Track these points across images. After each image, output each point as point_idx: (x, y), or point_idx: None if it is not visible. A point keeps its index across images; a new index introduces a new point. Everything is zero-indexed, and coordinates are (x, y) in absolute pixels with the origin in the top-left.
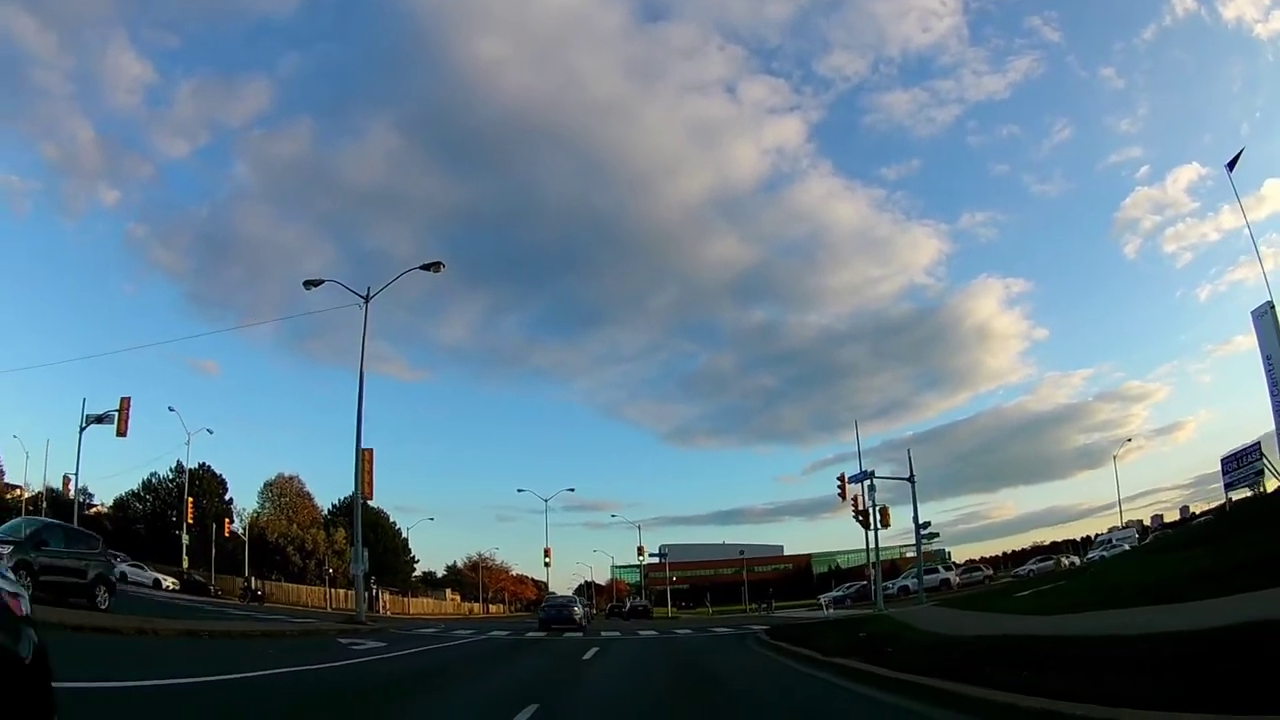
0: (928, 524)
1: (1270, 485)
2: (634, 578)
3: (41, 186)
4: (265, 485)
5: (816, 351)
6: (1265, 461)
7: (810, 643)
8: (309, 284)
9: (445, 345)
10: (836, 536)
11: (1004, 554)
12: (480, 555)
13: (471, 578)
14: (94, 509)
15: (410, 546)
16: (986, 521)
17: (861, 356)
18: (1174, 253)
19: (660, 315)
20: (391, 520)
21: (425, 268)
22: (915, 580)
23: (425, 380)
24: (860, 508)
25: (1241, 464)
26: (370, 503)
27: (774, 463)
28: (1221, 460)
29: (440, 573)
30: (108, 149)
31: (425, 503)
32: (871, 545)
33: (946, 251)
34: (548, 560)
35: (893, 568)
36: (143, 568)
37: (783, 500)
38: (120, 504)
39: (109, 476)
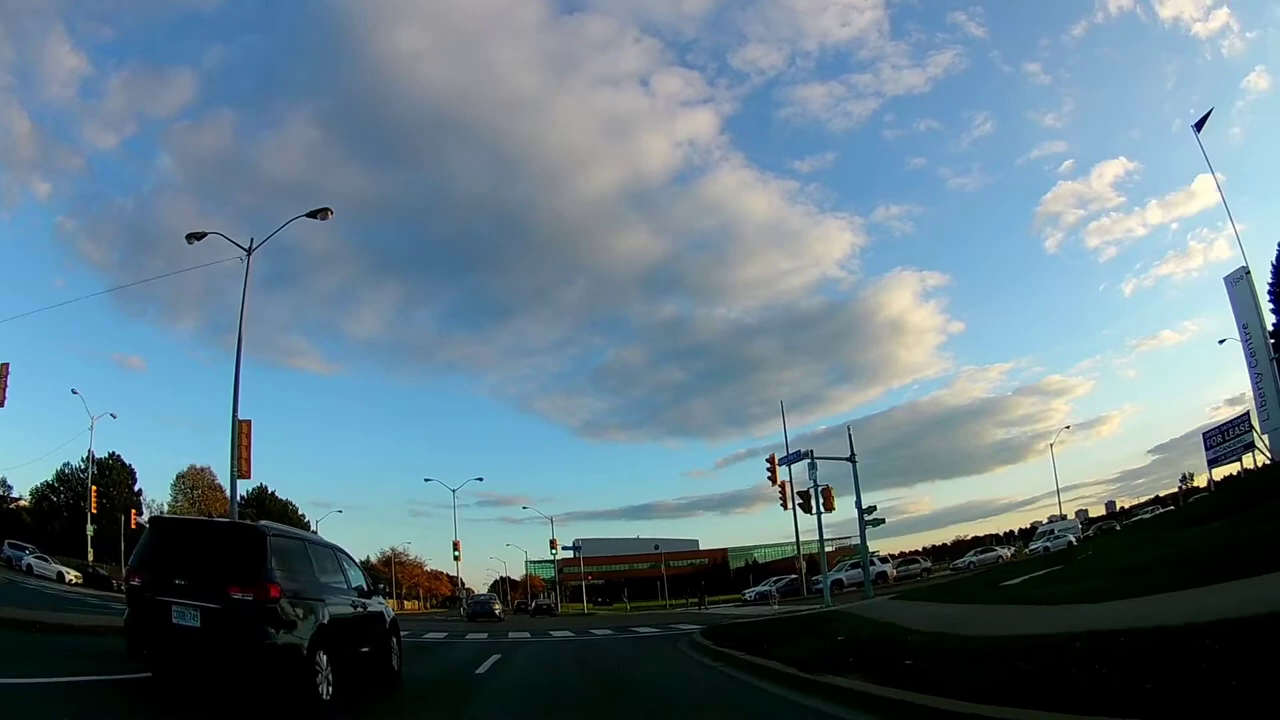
0: (873, 508)
1: (1252, 461)
2: (549, 573)
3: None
4: (177, 477)
5: (726, 345)
6: (1255, 434)
7: (774, 651)
8: (191, 237)
9: (359, 339)
10: (751, 531)
11: (924, 548)
12: (394, 550)
13: (385, 573)
14: (15, 503)
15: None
16: (904, 516)
17: (772, 350)
18: (1097, 247)
19: (570, 309)
20: (300, 513)
21: (312, 215)
22: (849, 572)
23: (339, 374)
24: (787, 494)
25: (1227, 438)
26: (277, 493)
27: (685, 457)
28: (1204, 435)
29: None
30: (42, 141)
31: (340, 497)
32: (796, 534)
33: (860, 244)
34: (457, 554)
35: (810, 562)
36: (48, 560)
37: (695, 495)
38: (38, 496)
39: (21, 466)
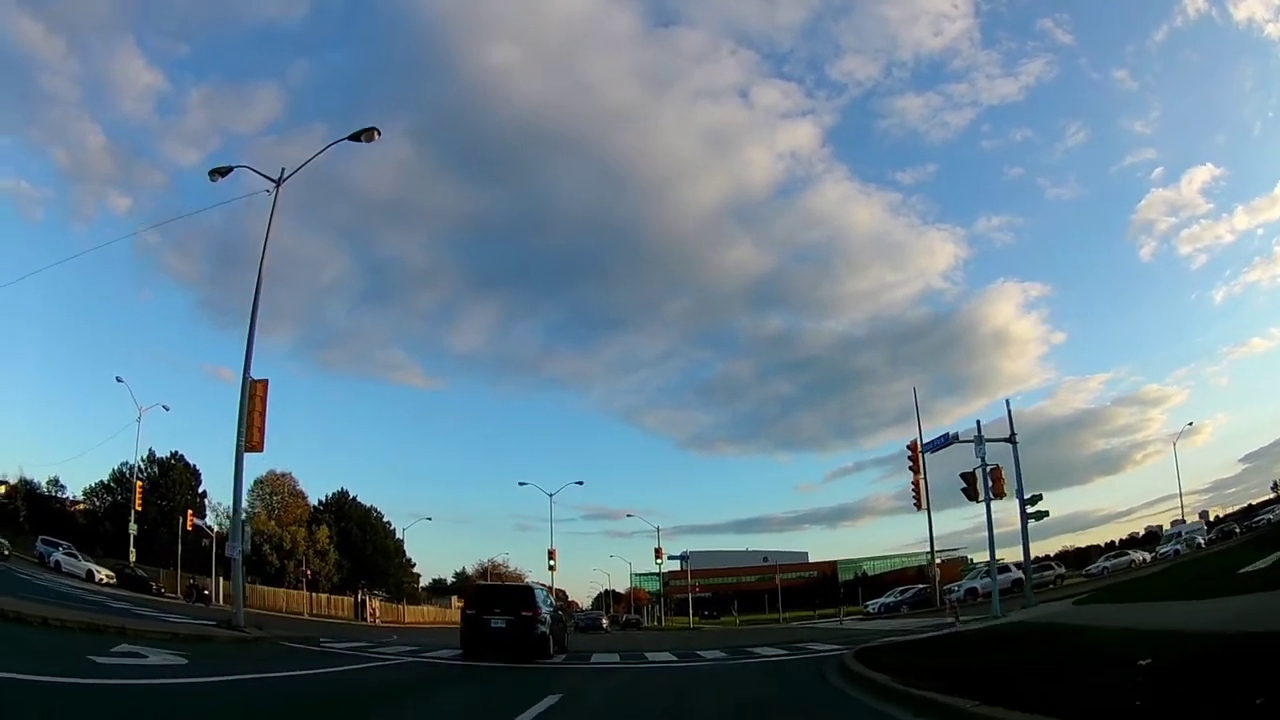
0: (1037, 497)
1: None
2: (654, 585)
3: (53, 193)
4: (255, 483)
5: (833, 358)
6: None
7: (1052, 700)
8: (215, 173)
9: (460, 353)
10: (858, 544)
11: (1036, 558)
12: (492, 562)
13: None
14: (73, 505)
15: (406, 549)
16: (1007, 529)
17: (878, 362)
18: (1189, 255)
19: (676, 322)
20: (385, 520)
21: (355, 137)
22: (982, 581)
23: (440, 389)
24: (921, 494)
25: None
26: (360, 499)
27: (793, 470)
28: None
29: (449, 579)
30: (118, 155)
31: (443, 509)
32: (931, 538)
33: (963, 256)
34: (552, 563)
35: (920, 575)
36: (78, 558)
37: (803, 508)
38: (91, 494)
39: (67, 460)
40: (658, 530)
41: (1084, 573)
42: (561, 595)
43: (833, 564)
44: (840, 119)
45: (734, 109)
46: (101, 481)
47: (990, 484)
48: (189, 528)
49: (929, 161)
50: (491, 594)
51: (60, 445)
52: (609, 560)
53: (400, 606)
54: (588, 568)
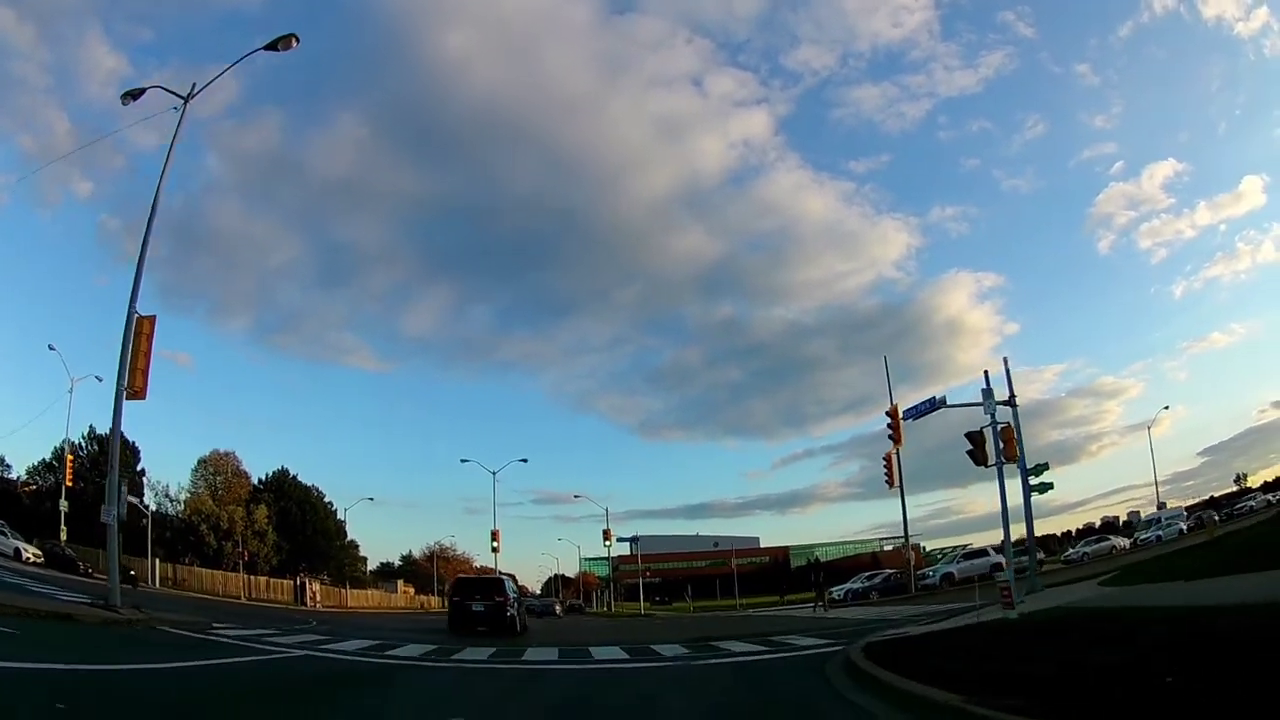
0: (1042, 467)
1: None
2: (603, 570)
3: (18, 179)
4: (199, 462)
5: (783, 346)
6: None
7: None
8: (127, 96)
9: (412, 336)
10: (808, 531)
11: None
12: (439, 544)
13: (427, 568)
14: (27, 486)
15: (349, 530)
16: (959, 516)
17: (829, 351)
18: (1149, 249)
19: (627, 309)
20: (327, 500)
21: (272, 46)
22: (959, 565)
23: (391, 372)
24: (894, 470)
25: None
26: (302, 479)
27: (743, 457)
28: None
29: (397, 563)
30: (81, 140)
31: (391, 495)
32: (905, 520)
33: (916, 245)
34: (495, 545)
35: (873, 561)
36: (6, 536)
37: (752, 494)
38: (33, 473)
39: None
40: (606, 512)
41: (1063, 559)
42: (513, 579)
43: (785, 549)
44: (794, 108)
45: (687, 97)
46: (43, 460)
47: (1002, 445)
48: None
49: (884, 151)
50: (471, 585)
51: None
52: (557, 544)
53: (343, 591)
54: (536, 552)
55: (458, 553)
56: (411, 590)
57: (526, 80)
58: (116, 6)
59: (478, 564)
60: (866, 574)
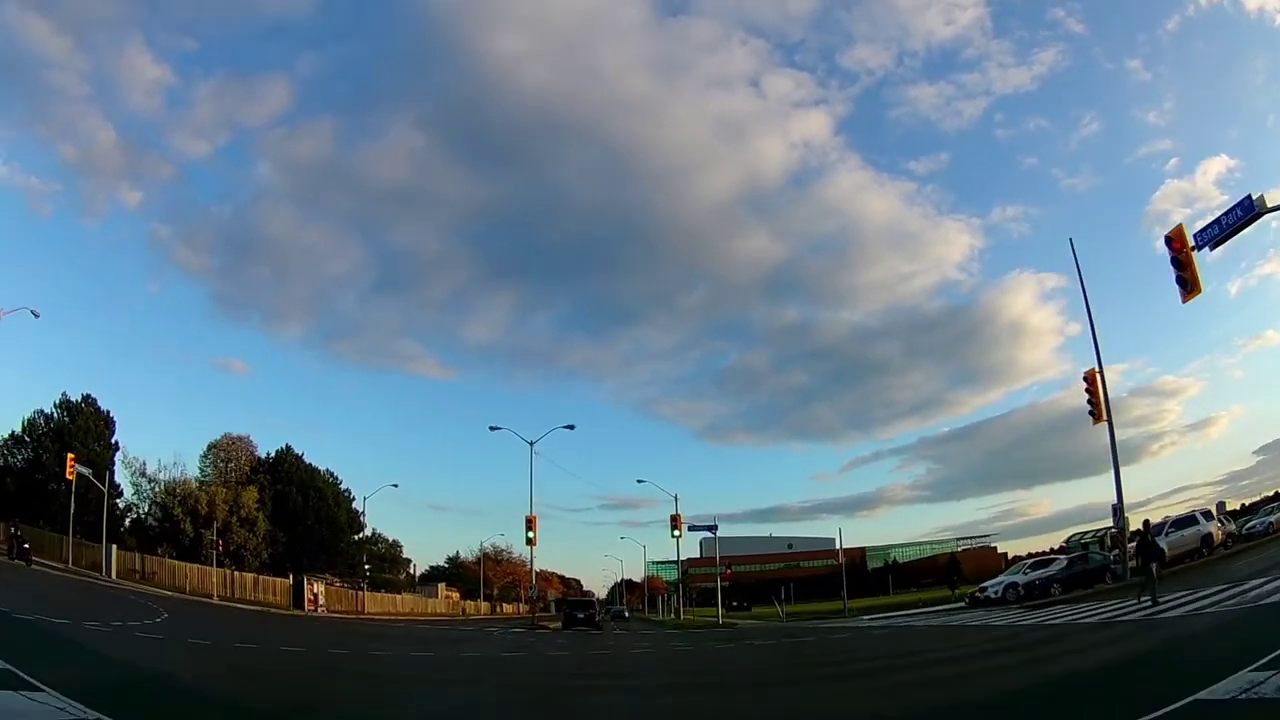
0: None
1: None
2: (671, 575)
3: (61, 188)
4: (209, 447)
5: (849, 349)
6: None
7: None
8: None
9: (474, 344)
10: (876, 534)
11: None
12: (492, 545)
13: (475, 571)
14: None
15: (365, 521)
16: (1024, 519)
17: (895, 353)
18: (1204, 247)
19: (691, 313)
20: (342, 486)
21: None
22: (1166, 537)
23: (454, 379)
24: (1099, 396)
25: None
26: (305, 457)
27: (810, 460)
28: None
29: (443, 565)
30: (128, 150)
31: (455, 501)
32: (1116, 464)
33: (979, 246)
34: (531, 534)
35: (951, 562)
36: None
37: (819, 498)
38: (4, 450)
39: None
40: (675, 498)
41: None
42: (577, 585)
43: (861, 550)
44: (852, 108)
45: (745, 98)
46: (13, 433)
47: None
48: (69, 475)
49: (942, 151)
50: (574, 602)
51: None
52: (620, 543)
53: (358, 594)
54: (603, 556)
55: (512, 555)
56: (456, 595)
57: (580, 82)
58: (158, 16)
59: (536, 567)
60: (1031, 561)
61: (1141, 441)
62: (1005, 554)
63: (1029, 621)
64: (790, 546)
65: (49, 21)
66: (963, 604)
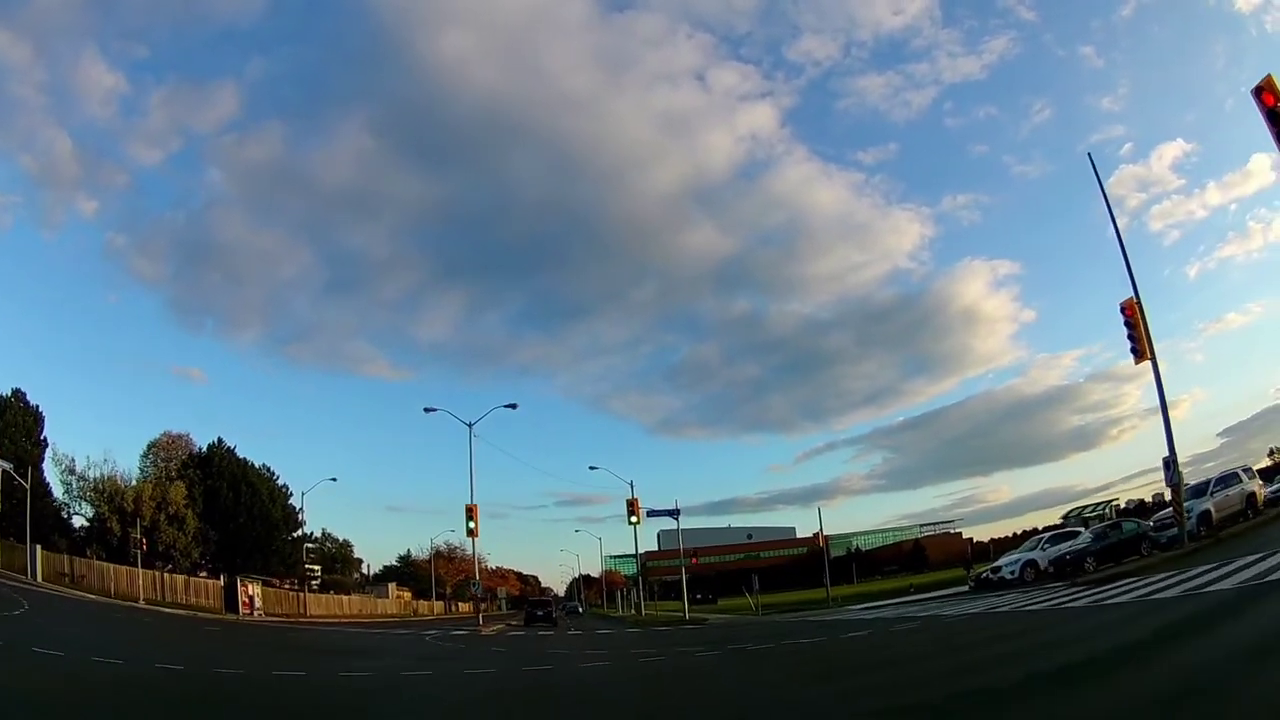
0: None
1: None
2: (630, 568)
3: (21, 199)
4: (149, 446)
5: (801, 340)
6: None
7: None
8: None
9: (427, 344)
10: (835, 523)
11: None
12: (446, 544)
13: (427, 570)
14: None
15: (303, 518)
16: (983, 505)
17: (847, 343)
18: (1161, 230)
19: (641, 307)
20: (279, 481)
21: None
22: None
23: (408, 380)
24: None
25: None
26: (236, 450)
27: (764, 452)
28: None
29: (394, 564)
30: (84, 159)
31: (414, 502)
32: (1161, 393)
33: (929, 235)
34: (471, 524)
35: (916, 548)
36: None
37: (775, 489)
38: None
39: None
40: (630, 484)
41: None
42: (535, 582)
43: (824, 539)
44: (799, 100)
45: (691, 92)
46: None
47: None
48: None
49: (891, 141)
50: (535, 601)
51: None
52: (576, 539)
53: (299, 595)
54: (560, 554)
55: (466, 552)
56: (408, 595)
57: (527, 80)
58: (110, 24)
59: (491, 565)
60: (1049, 535)
61: (1101, 426)
62: (970, 539)
63: (1117, 600)
64: (750, 537)
65: (8, 31)
66: (966, 588)
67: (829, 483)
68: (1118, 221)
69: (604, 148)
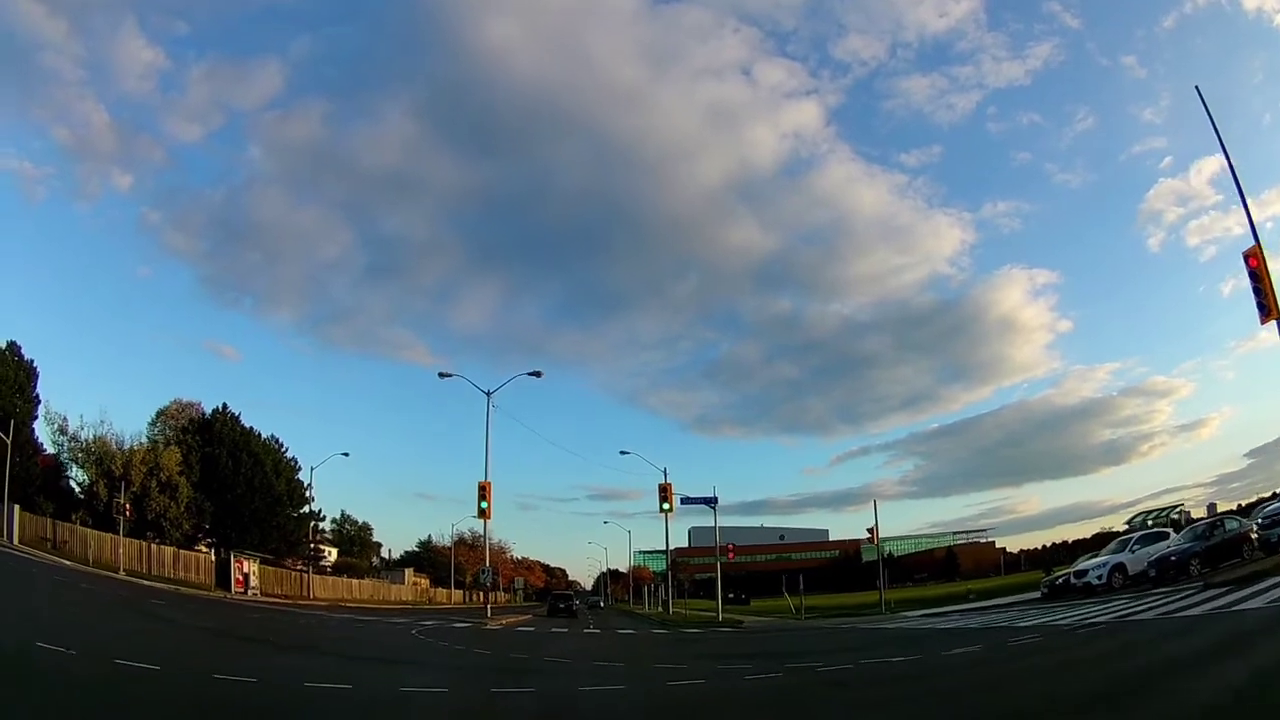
0: None
1: None
2: (659, 564)
3: (55, 171)
4: (157, 414)
5: (839, 342)
6: None
7: None
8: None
9: (464, 332)
10: (864, 527)
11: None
12: (471, 531)
13: (447, 557)
14: None
15: (311, 494)
16: (1012, 516)
17: (885, 347)
18: (1197, 246)
19: (681, 303)
20: (283, 450)
21: None
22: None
23: (445, 366)
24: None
25: None
26: (242, 418)
27: (799, 454)
28: None
29: (415, 550)
30: (121, 133)
31: (445, 491)
32: None
33: (970, 241)
34: (484, 503)
35: (949, 556)
36: None
37: (808, 492)
38: None
39: None
40: (664, 471)
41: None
42: (562, 574)
43: (855, 543)
44: (844, 99)
45: (737, 87)
46: None
47: None
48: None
49: (934, 144)
50: (559, 594)
51: None
52: (604, 530)
53: (304, 576)
54: (588, 546)
55: (493, 541)
56: (425, 582)
57: (573, 69)
58: (149, 0)
59: (516, 555)
60: (1139, 535)
61: (1131, 441)
62: (1003, 549)
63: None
64: (782, 538)
65: (44, 4)
66: (1038, 595)
67: (861, 487)
68: (1155, 236)
69: (648, 139)
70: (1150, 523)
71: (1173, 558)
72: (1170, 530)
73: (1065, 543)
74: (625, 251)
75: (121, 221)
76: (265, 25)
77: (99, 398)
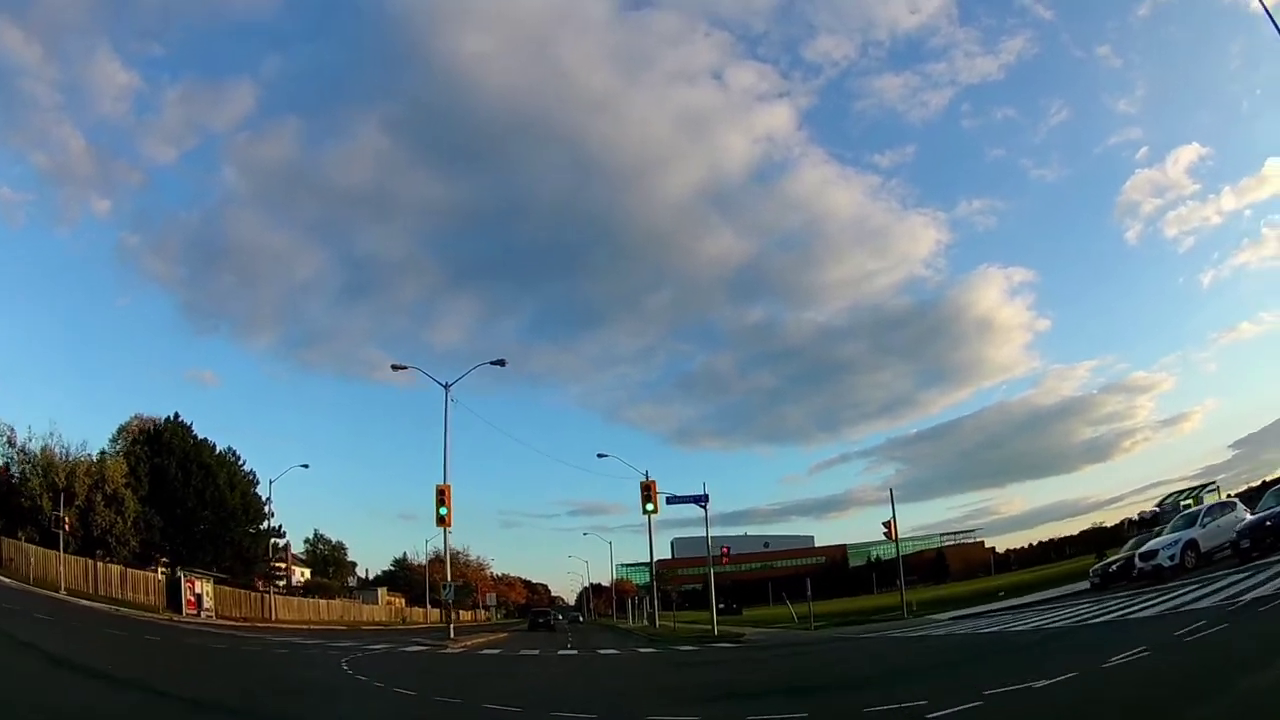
0: None
1: None
2: (642, 577)
3: (34, 197)
4: (119, 431)
5: (816, 349)
6: None
7: None
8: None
9: (440, 350)
10: (847, 534)
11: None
12: (451, 549)
13: (422, 575)
14: None
15: (271, 510)
16: (996, 517)
17: (862, 353)
18: (1175, 237)
19: (657, 315)
20: (239, 462)
21: None
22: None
23: (420, 387)
24: None
25: None
26: (194, 428)
27: (777, 463)
28: None
29: (391, 569)
30: (98, 157)
31: (428, 510)
32: None
33: (945, 241)
34: (444, 509)
35: (938, 558)
36: None
37: (788, 500)
38: None
39: None
40: (645, 472)
41: None
42: (544, 590)
43: (842, 548)
44: (817, 100)
45: (709, 92)
46: None
47: None
48: None
49: (908, 143)
50: (538, 610)
51: None
52: (585, 543)
53: (266, 597)
54: (569, 561)
55: (468, 557)
56: (400, 601)
57: (544, 80)
58: (123, 22)
59: (495, 571)
60: (1205, 508)
61: (1114, 438)
62: (993, 549)
63: None
64: (766, 545)
65: (21, 29)
66: (1085, 585)
67: (842, 494)
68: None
69: (621, 148)
70: (1183, 503)
71: (1268, 523)
72: (1237, 500)
73: (1053, 540)
74: (600, 264)
75: (101, 247)
76: (238, 44)
77: (80, 429)
